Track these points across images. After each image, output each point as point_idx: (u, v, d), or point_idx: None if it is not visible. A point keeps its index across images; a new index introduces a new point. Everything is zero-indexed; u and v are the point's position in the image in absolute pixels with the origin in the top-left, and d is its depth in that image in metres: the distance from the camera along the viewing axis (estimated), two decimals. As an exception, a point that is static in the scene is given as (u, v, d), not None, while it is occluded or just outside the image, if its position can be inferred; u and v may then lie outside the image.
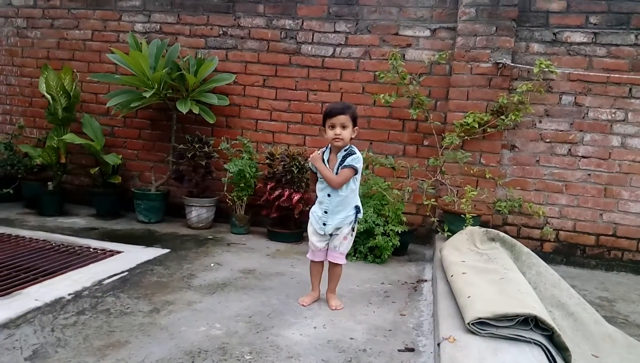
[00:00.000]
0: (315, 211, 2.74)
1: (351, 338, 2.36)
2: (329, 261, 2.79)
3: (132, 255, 3.43)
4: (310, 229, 2.78)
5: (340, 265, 2.79)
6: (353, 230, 2.74)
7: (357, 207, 2.72)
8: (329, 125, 2.57)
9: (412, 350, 2.30)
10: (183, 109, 4.17)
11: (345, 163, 2.57)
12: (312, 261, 2.84)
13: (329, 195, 2.66)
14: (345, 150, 2.60)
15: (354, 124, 2.59)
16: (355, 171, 2.59)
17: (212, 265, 3.41)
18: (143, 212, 4.55)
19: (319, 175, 2.69)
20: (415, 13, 4.23)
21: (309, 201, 4.22)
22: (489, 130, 3.98)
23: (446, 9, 4.16)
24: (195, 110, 4.23)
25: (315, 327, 2.47)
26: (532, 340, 1.98)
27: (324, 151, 2.69)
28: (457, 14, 4.07)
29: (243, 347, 2.18)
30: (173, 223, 4.60)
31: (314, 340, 2.32)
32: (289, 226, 4.27)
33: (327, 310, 2.72)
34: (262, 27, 4.56)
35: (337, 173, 2.60)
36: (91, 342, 2.12)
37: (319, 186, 2.72)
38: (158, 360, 2.00)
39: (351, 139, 2.61)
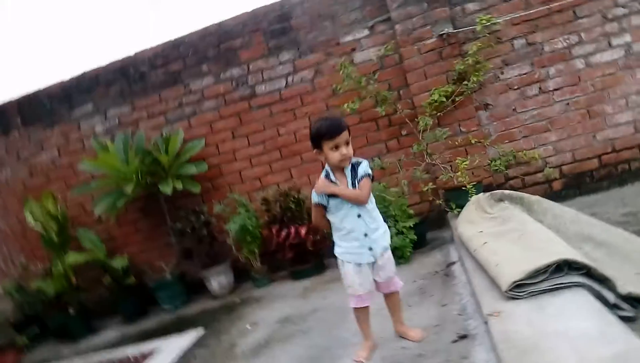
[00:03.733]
0: (350, 246, 2.32)
1: (403, 348, 2.34)
2: (389, 293, 2.46)
3: (170, 348, 3.40)
4: (350, 270, 2.34)
5: (398, 291, 2.49)
6: None
7: (384, 219, 2.46)
8: (330, 146, 2.21)
9: (465, 336, 2.27)
10: (167, 189, 4.19)
11: (360, 174, 2.27)
12: (356, 309, 2.41)
13: (359, 216, 2.28)
14: (349, 163, 2.30)
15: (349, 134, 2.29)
16: (372, 178, 2.33)
17: (248, 327, 3.39)
18: (166, 301, 4.53)
19: (331, 203, 2.30)
20: (348, 18, 4.29)
21: (317, 230, 4.22)
22: (457, 99, 4.00)
23: (375, 3, 4.22)
24: (179, 186, 4.26)
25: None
26: (571, 284, 1.97)
27: (326, 176, 2.31)
28: (387, 5, 4.12)
29: (304, 396, 2.16)
30: (198, 300, 4.57)
31: (369, 363, 2.29)
32: (307, 260, 4.25)
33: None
34: (212, 84, 4.62)
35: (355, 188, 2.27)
36: None
37: (337, 215, 2.31)
38: None
39: None
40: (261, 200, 4.37)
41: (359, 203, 2.26)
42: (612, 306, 1.93)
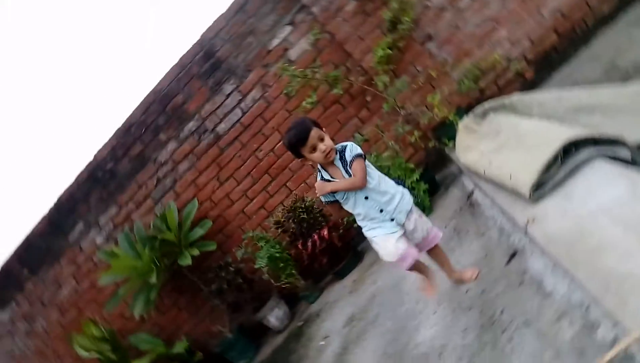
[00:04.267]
0: (372, 223, 2.32)
1: (467, 292, 2.36)
2: (430, 250, 2.45)
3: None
4: (380, 241, 2.32)
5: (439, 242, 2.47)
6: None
7: (397, 182, 2.40)
8: (308, 151, 2.21)
9: (514, 254, 2.29)
10: (187, 261, 4.22)
11: (349, 160, 2.23)
12: (409, 265, 2.35)
13: (366, 198, 2.26)
14: (335, 153, 2.27)
15: (320, 127, 2.27)
16: (363, 156, 2.26)
17: (321, 343, 3.41)
18: (239, 358, 4.56)
19: (337, 196, 2.31)
20: (266, 24, 4.29)
21: (337, 224, 4.25)
22: (400, 45, 4.00)
23: (283, -2, 4.22)
24: (195, 252, 4.28)
25: (434, 312, 2.47)
26: (584, 160, 1.98)
27: (322, 176, 2.32)
28: (294, -5, 4.13)
29: (401, 382, 2.18)
30: (266, 342, 4.59)
31: (443, 322, 2.32)
32: (342, 256, 4.27)
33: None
34: (178, 147, 4.62)
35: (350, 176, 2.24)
36: None
37: (348, 205, 2.32)
38: None
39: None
40: (274, 225, 4.39)
41: (358, 188, 2.24)
42: (632, 162, 1.95)
